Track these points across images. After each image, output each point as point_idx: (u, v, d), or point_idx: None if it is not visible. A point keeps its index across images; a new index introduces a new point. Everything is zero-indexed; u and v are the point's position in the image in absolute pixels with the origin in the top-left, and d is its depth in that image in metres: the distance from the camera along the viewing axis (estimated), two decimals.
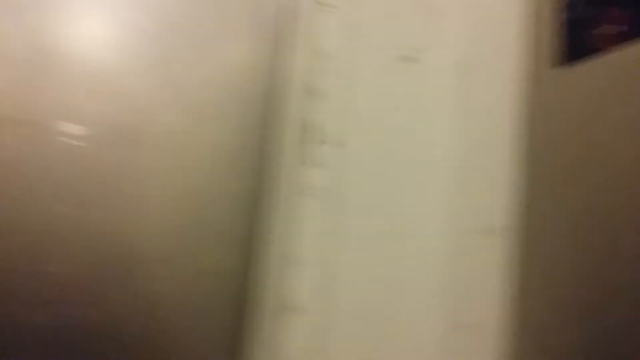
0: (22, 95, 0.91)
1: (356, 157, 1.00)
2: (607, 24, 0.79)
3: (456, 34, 1.01)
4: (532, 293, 0.87)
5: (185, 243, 1.01)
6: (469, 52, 0.99)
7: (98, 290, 0.91)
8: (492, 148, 1.02)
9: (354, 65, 1.01)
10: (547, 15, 0.94)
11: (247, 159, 1.08)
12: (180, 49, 1.03)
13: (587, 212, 0.81)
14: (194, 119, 1.04)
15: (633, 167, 0.76)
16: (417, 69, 0.99)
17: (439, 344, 1.00)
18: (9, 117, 0.93)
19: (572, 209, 0.82)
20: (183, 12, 1.02)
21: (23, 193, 0.90)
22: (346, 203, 1.00)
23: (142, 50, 1.00)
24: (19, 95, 0.91)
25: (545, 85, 0.88)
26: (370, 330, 1.00)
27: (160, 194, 0.99)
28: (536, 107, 0.88)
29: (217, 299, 1.03)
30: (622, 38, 0.76)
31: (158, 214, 1.00)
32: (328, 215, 1.02)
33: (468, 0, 1.08)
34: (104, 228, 0.92)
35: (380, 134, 1.00)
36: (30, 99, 0.93)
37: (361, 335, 1.01)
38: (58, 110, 0.92)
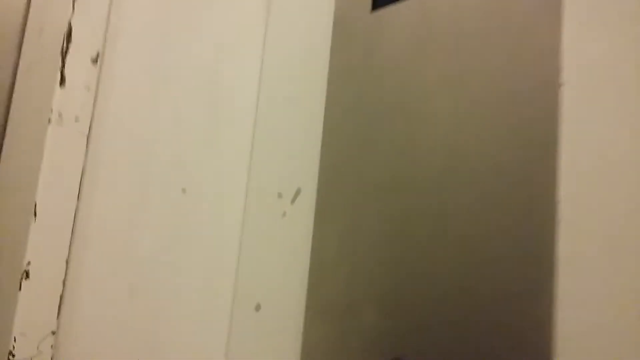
0: None
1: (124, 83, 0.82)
2: None
3: None
4: (323, 269, 0.78)
5: None
6: None
7: None
8: (301, 100, 0.88)
9: None
10: None
11: None
12: None
13: (382, 177, 0.74)
14: None
15: (429, 122, 0.69)
16: None
17: (226, 322, 0.90)
18: None
19: (364, 172, 0.74)
20: None
21: None
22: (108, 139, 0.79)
23: None
24: None
25: (356, 31, 0.77)
26: (134, 307, 0.85)
27: None
28: (345, 57, 0.78)
29: None
30: None
31: None
32: (84, 153, 0.81)
33: None
34: None
35: (158, 60, 0.85)
36: None
37: (117, 308, 0.84)
38: None
